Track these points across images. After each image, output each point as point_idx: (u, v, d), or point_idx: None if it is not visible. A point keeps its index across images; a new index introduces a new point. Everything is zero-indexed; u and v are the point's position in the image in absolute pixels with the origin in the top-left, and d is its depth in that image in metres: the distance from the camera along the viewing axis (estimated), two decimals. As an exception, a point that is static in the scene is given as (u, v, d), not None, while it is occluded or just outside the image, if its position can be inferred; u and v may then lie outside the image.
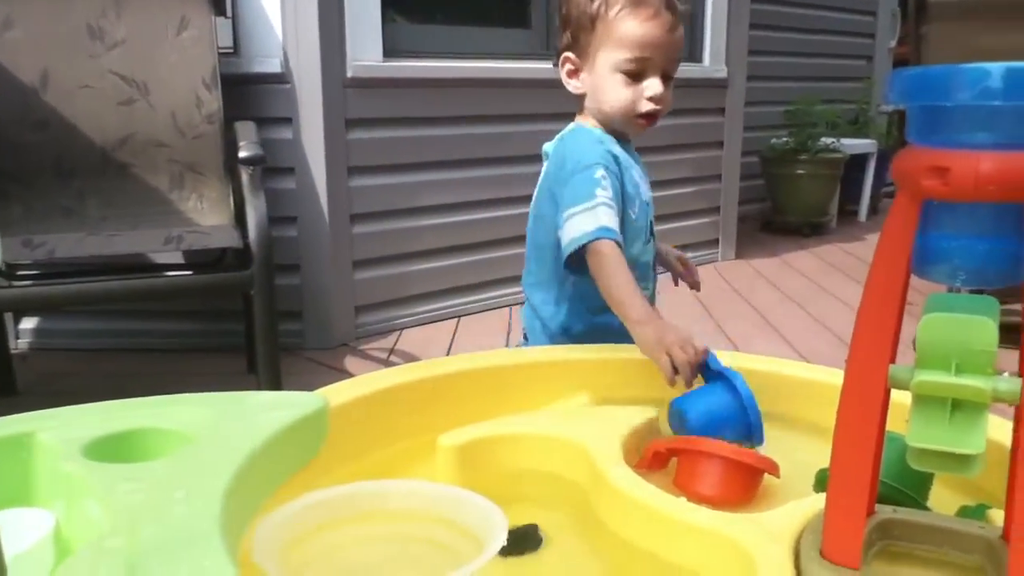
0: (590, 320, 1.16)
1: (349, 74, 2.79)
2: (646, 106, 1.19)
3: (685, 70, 3.95)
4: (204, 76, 2.37)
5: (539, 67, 3.43)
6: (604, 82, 1.20)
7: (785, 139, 4.87)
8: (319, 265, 2.83)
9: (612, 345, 1.00)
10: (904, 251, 0.50)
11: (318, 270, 2.84)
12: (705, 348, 0.90)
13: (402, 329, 3.06)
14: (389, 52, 2.93)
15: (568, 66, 1.26)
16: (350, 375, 2.56)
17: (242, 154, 2.08)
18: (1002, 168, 0.45)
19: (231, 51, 2.65)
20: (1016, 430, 0.50)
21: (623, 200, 1.18)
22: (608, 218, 1.10)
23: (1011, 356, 0.51)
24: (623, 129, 1.24)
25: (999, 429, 0.55)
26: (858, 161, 5.07)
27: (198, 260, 2.36)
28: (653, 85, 1.19)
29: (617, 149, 1.22)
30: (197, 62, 2.37)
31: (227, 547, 0.50)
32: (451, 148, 3.19)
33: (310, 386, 0.86)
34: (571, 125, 1.29)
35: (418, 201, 3.11)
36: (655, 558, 0.64)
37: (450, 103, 3.15)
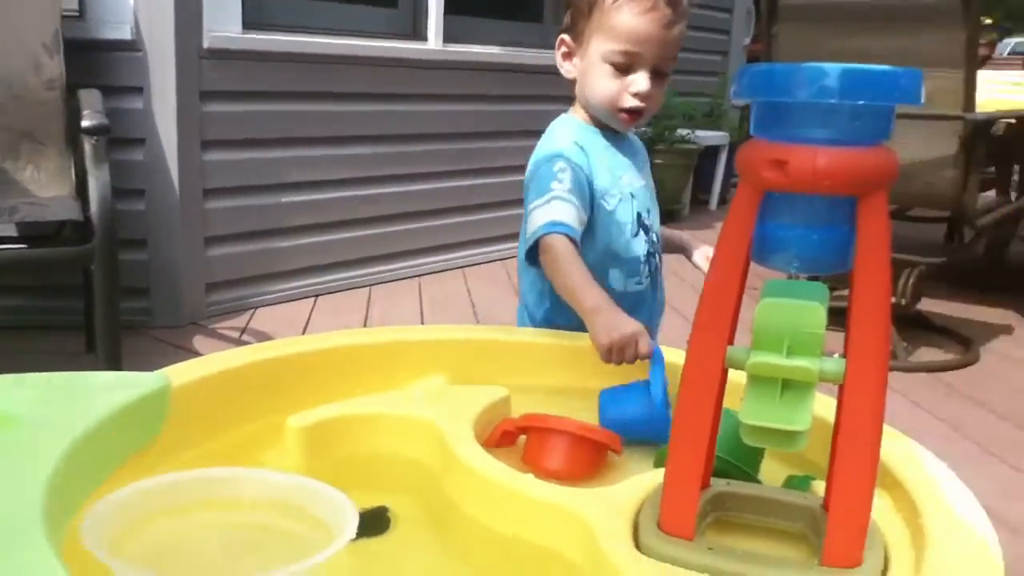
0: (573, 317, 1.05)
1: (206, 44, 2.67)
2: (629, 101, 1.14)
3: (549, 58, 4.00)
4: (44, 40, 2.22)
5: (407, 47, 3.39)
6: (592, 70, 1.16)
7: (645, 129, 5.01)
8: (168, 240, 2.71)
9: (471, 326, 1.01)
10: (744, 239, 0.52)
11: (167, 245, 2.71)
12: (649, 351, 0.89)
13: (256, 308, 2.98)
14: (250, 24, 2.82)
15: (563, 48, 1.22)
16: (198, 355, 2.46)
17: (84, 123, 1.96)
18: (837, 163, 0.48)
19: (77, 14, 2.49)
20: (839, 407, 0.53)
21: (592, 192, 1.14)
22: (560, 212, 1.07)
23: (840, 338, 0.54)
24: (607, 121, 1.19)
25: (824, 406, 0.58)
26: (711, 152, 5.28)
27: (34, 233, 2.21)
28: (639, 81, 1.14)
29: (592, 139, 1.19)
30: (36, 24, 2.22)
31: (49, 537, 0.47)
32: (315, 125, 3.11)
33: (154, 367, 0.82)
34: (560, 116, 1.25)
35: (278, 178, 3.02)
36: (502, 535, 0.65)
37: (314, 79, 3.07)
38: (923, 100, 0.49)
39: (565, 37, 1.21)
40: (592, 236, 1.15)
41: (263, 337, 2.66)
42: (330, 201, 3.20)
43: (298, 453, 0.76)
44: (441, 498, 0.71)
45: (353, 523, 0.56)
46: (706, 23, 5.98)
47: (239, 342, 2.65)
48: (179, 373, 0.79)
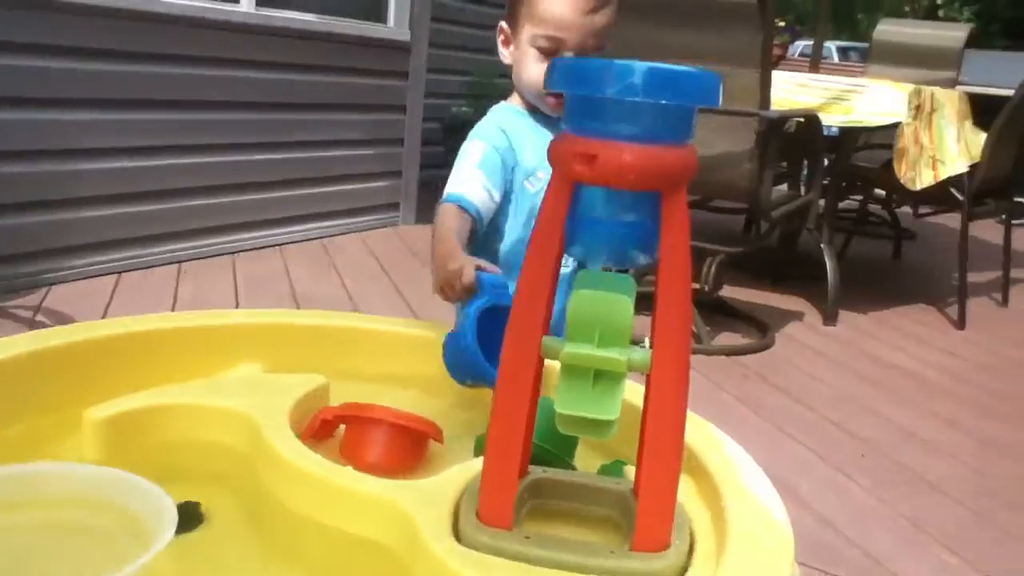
0: None
1: (-10, -10, 2.43)
2: None
3: (368, 30, 3.94)
4: None
5: (217, 7, 3.23)
6: (523, 56, 1.18)
7: (465, 108, 5.03)
8: (-57, 209, 2.46)
9: (288, 311, 0.98)
10: (557, 230, 0.54)
11: (-58, 215, 2.46)
12: (470, 282, 0.88)
13: (52, 285, 2.76)
14: (38, -30, 2.59)
15: (501, 36, 1.23)
16: (-17, 336, 2.26)
17: None
18: (642, 159, 0.50)
19: None
20: (646, 397, 0.56)
21: (513, 173, 1.17)
22: (458, 184, 1.11)
23: (647, 322, 0.57)
24: (537, 105, 1.21)
25: (633, 393, 0.61)
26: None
27: None
28: None
29: (519, 122, 1.21)
30: None
31: None
32: (117, 87, 2.91)
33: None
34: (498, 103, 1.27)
35: (76, 143, 2.81)
36: (323, 527, 0.64)
37: (116, 37, 2.87)
38: (720, 102, 0.52)
39: (503, 24, 1.24)
40: (516, 217, 1.19)
41: (59, 317, 2.47)
42: (135, 170, 3.01)
43: (97, 447, 0.71)
44: (257, 491, 0.68)
45: (172, 519, 0.53)
46: (528, 8, 6.05)
47: (32, 323, 2.45)
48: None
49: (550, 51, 1.17)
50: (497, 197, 1.16)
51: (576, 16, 1.16)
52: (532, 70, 1.18)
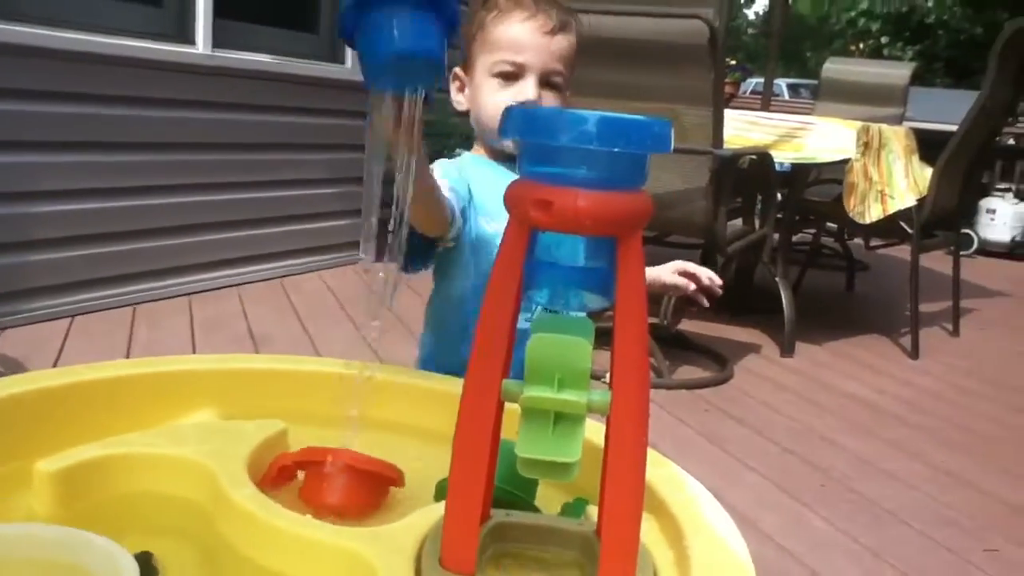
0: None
1: (-65, 33, 2.40)
2: None
3: (325, 71, 3.95)
4: None
5: (173, 49, 3.22)
6: (480, 89, 1.15)
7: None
8: None
9: (243, 355, 0.97)
10: (515, 275, 0.54)
11: None
12: None
13: (3, 329, 2.70)
14: (-6, 13, 2.57)
15: (456, 82, 1.20)
16: (-71, 384, 2.20)
17: None
18: (596, 205, 0.50)
19: None
20: (607, 438, 0.56)
21: (469, 208, 1.14)
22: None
23: (606, 356, 0.57)
24: (501, 147, 1.17)
25: (595, 431, 0.61)
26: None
27: None
28: (526, 89, 1.12)
29: (478, 165, 1.18)
30: None
31: None
32: (69, 129, 2.89)
33: None
34: None
35: (26, 185, 2.77)
36: (283, 578, 0.62)
37: (67, 79, 2.85)
38: (672, 146, 0.53)
39: (457, 70, 1.21)
40: (473, 259, 1.15)
41: (10, 364, 2.41)
42: (86, 212, 2.97)
43: (48, 500, 0.69)
44: (214, 542, 0.67)
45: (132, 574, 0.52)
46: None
47: (-20, 368, 2.39)
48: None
49: (511, 75, 1.14)
50: (458, 212, 1.11)
51: (534, 36, 1.13)
52: (492, 100, 1.14)
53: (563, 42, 1.15)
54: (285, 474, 0.76)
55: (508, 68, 1.13)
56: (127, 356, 2.57)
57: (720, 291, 1.32)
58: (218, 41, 3.37)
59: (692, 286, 1.31)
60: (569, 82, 1.20)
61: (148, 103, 3.14)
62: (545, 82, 1.15)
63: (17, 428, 0.76)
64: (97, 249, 3.01)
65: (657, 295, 1.42)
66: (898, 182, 3.52)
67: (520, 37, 1.13)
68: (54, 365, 2.42)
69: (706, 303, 1.33)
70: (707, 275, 1.31)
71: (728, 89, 6.93)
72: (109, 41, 2.96)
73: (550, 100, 1.15)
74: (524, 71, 1.14)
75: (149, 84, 3.12)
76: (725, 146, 2.88)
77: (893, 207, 3.45)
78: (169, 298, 3.28)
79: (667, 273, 1.32)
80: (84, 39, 2.87)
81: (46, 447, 0.73)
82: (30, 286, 2.81)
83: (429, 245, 1.17)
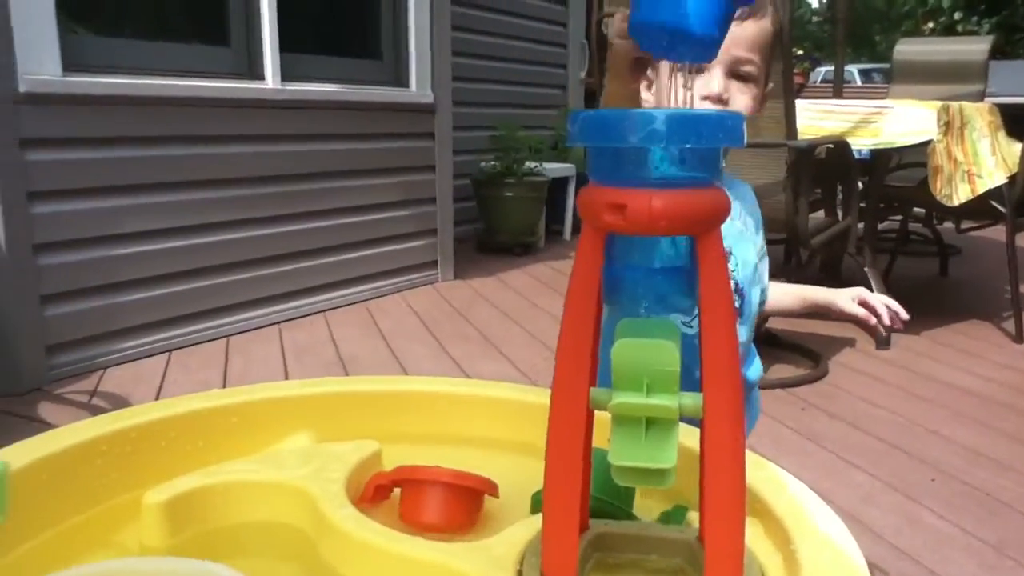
0: None
1: (22, 89, 2.53)
2: (699, 106, 1.02)
3: (392, 95, 4.01)
4: None
5: (244, 86, 3.32)
6: (663, 85, 1.11)
7: (493, 163, 5.10)
8: (-2, 303, 2.54)
9: (334, 379, 0.98)
10: (594, 282, 0.53)
11: (-4, 309, 2.54)
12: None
13: (105, 368, 2.81)
14: (71, 66, 2.69)
15: (644, 82, 1.11)
16: (46, 423, 2.31)
17: None
18: (672, 205, 0.49)
19: None
20: (702, 442, 0.55)
21: None
22: None
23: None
24: None
25: (690, 436, 0.60)
26: (560, 184, 5.43)
27: None
28: (711, 82, 1.03)
29: None
30: None
31: None
32: (153, 171, 3.00)
33: (-4, 442, 0.76)
34: None
35: (118, 228, 2.89)
36: (387, 598, 0.63)
37: (148, 123, 2.96)
38: (745, 141, 0.51)
39: (638, 86, 1.14)
40: None
41: (114, 399, 2.52)
42: (176, 250, 3.08)
43: (158, 531, 0.71)
44: (319, 564, 0.68)
45: None
46: (544, 58, 6.17)
47: (89, 406, 2.50)
48: (16, 454, 0.72)
49: (696, 68, 1.09)
50: None
51: None
52: (677, 96, 1.09)
53: (753, 28, 1.05)
54: (381, 493, 0.77)
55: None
56: (223, 386, 2.64)
57: (903, 325, 1.23)
58: (286, 74, 3.46)
59: (872, 320, 1.23)
60: (767, 73, 1.11)
61: (224, 140, 3.24)
62: (734, 73, 1.06)
63: (123, 462, 0.78)
64: (187, 285, 3.12)
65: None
66: (985, 160, 3.38)
67: None
68: (156, 399, 2.51)
69: (884, 333, 1.28)
70: (887, 307, 1.22)
71: (797, 79, 6.78)
72: (184, 83, 3.07)
73: (738, 92, 1.07)
74: (708, 66, 1.05)
75: (224, 121, 3.22)
76: (799, 137, 2.81)
77: (982, 187, 3.31)
78: (259, 328, 3.37)
79: (845, 300, 1.25)
80: (161, 83, 2.99)
81: (151, 479, 0.75)
82: (126, 325, 2.92)
83: None
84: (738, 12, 1.06)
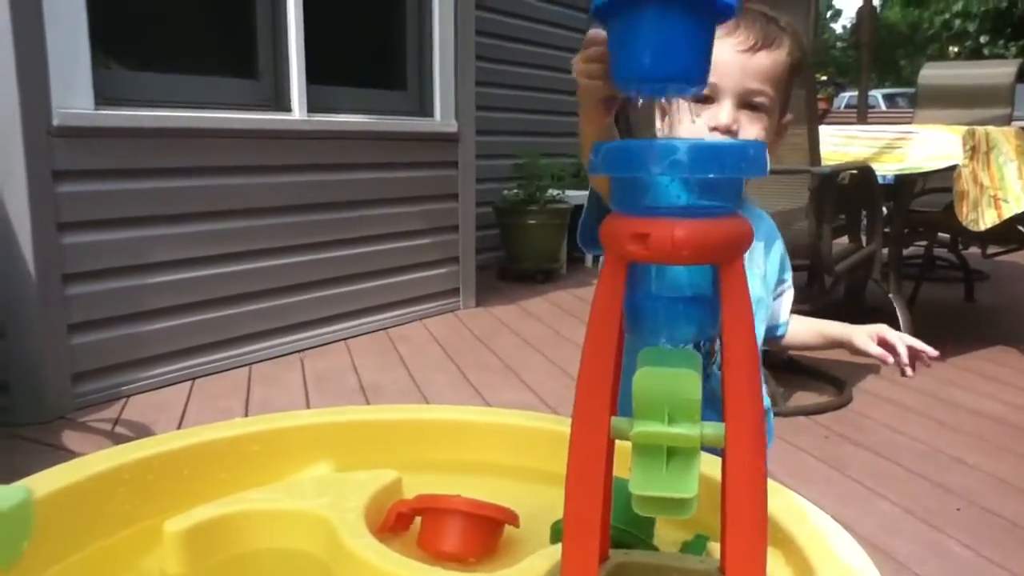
0: None
1: (55, 122, 2.58)
2: (708, 136, 1.02)
3: (416, 125, 4.05)
4: None
5: (271, 118, 3.36)
6: (675, 115, 1.06)
7: (515, 191, 5.11)
8: (26, 330, 2.57)
9: (355, 408, 0.98)
10: (615, 311, 0.53)
11: (26, 336, 2.57)
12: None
13: (129, 396, 2.84)
14: (103, 99, 2.74)
15: (659, 110, 1.13)
16: (69, 451, 2.32)
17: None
18: (694, 234, 0.49)
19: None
20: (724, 472, 0.54)
21: None
22: None
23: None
24: None
25: (711, 465, 0.59)
26: (581, 210, 5.42)
27: None
28: (720, 113, 1.03)
29: None
30: None
31: None
32: (179, 202, 3.04)
33: (19, 468, 0.77)
34: None
35: (144, 257, 2.92)
36: (403, 627, 0.62)
37: (175, 155, 3.00)
38: (768, 170, 0.51)
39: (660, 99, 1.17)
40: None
41: (137, 428, 2.53)
42: (200, 279, 3.11)
43: (179, 558, 0.71)
44: (335, 594, 0.68)
45: None
46: (564, 86, 6.20)
47: (112, 435, 2.51)
48: (41, 482, 0.73)
49: (706, 98, 1.04)
50: None
51: (730, 54, 1.03)
52: (689, 127, 1.05)
53: (766, 60, 1.05)
54: (402, 521, 0.77)
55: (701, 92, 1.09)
56: (245, 414, 2.66)
57: (930, 363, 1.16)
58: (312, 106, 3.50)
59: (889, 359, 1.16)
60: (781, 104, 1.10)
61: (250, 171, 3.28)
62: (745, 104, 1.05)
63: (145, 490, 0.79)
64: (210, 314, 3.14)
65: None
66: (1011, 185, 3.35)
67: (716, 57, 1.07)
68: (178, 428, 2.52)
69: (908, 373, 1.17)
70: (908, 345, 1.16)
71: (821, 104, 6.77)
72: (213, 115, 3.12)
73: (748, 123, 1.06)
74: (719, 93, 1.04)
75: (251, 152, 3.26)
76: (823, 163, 2.80)
77: (1008, 211, 3.28)
78: (281, 356, 3.39)
79: (862, 338, 1.20)
80: (189, 115, 3.03)
81: (172, 507, 0.75)
82: (149, 354, 2.94)
83: None
84: (750, 44, 1.04)
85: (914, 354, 1.15)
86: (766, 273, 1.24)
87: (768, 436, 1.07)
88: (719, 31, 1.05)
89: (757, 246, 1.21)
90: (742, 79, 1.04)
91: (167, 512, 0.74)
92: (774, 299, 1.29)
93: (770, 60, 1.05)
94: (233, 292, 3.22)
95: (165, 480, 0.81)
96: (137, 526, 0.76)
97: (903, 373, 1.16)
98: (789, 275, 1.32)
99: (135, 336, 2.89)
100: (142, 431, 2.48)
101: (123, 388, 2.84)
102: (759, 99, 1.06)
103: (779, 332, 1.31)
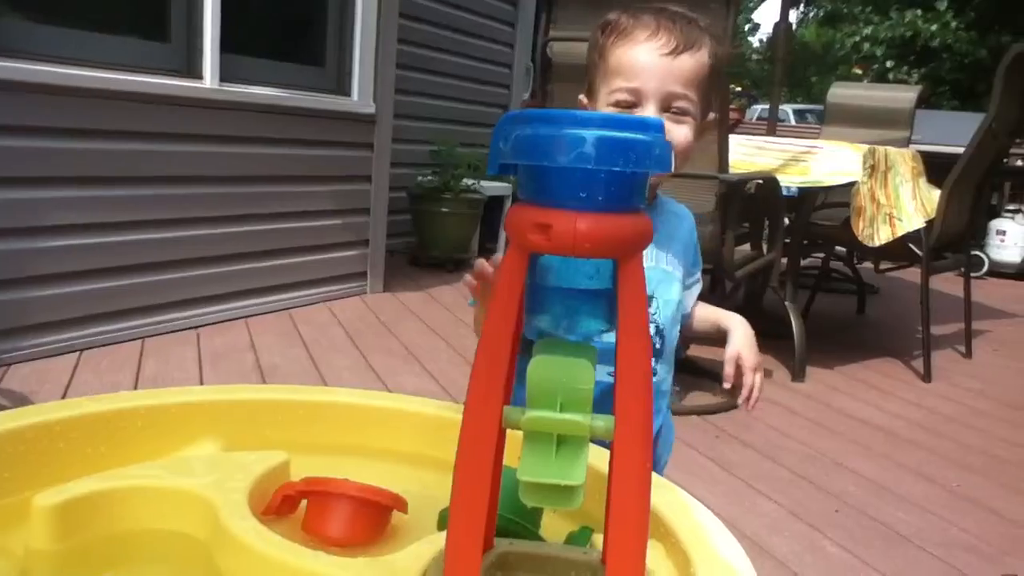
0: None
1: (-58, 71, 2.43)
2: None
3: (333, 103, 3.98)
4: None
5: (180, 84, 3.25)
6: None
7: (430, 177, 5.08)
8: (-102, 291, 2.42)
9: (247, 386, 0.96)
10: (514, 300, 0.53)
11: None
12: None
13: (10, 364, 2.70)
14: (-4, 50, 2.60)
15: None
16: (-63, 420, 2.20)
17: None
18: (596, 227, 0.49)
19: None
20: (611, 465, 0.55)
21: None
22: None
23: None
24: None
25: (598, 458, 0.60)
26: (496, 202, 5.45)
27: None
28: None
29: None
30: None
31: None
32: (77, 164, 2.90)
33: None
34: None
35: (35, 220, 2.79)
36: (282, 611, 0.61)
37: (74, 115, 2.87)
38: (672, 167, 0.52)
39: (582, 98, 1.13)
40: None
41: (17, 397, 2.41)
42: (93, 247, 2.98)
43: (46, 535, 0.68)
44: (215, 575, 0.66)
45: None
46: (487, 77, 6.19)
47: (-12, 404, 2.39)
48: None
49: (628, 105, 1.04)
50: None
51: (652, 59, 1.02)
52: None
53: (689, 62, 1.04)
54: (288, 504, 0.75)
55: (625, 96, 1.04)
56: (134, 388, 2.56)
57: (748, 408, 1.19)
58: (225, 75, 3.40)
59: (728, 384, 1.19)
60: (704, 107, 1.09)
61: (156, 137, 3.16)
62: (668, 108, 1.05)
63: (17, 462, 0.75)
64: (104, 283, 3.02)
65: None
66: (906, 204, 3.51)
67: (636, 61, 1.03)
68: (61, 399, 2.42)
69: (748, 408, 1.20)
70: (750, 387, 1.17)
71: (734, 115, 6.95)
72: (117, 77, 2.99)
73: (673, 126, 1.05)
74: (642, 98, 1.04)
75: (157, 118, 3.15)
76: (731, 171, 2.88)
77: (902, 229, 3.43)
78: (177, 331, 3.28)
79: (732, 347, 1.21)
80: (92, 75, 2.90)
81: (47, 481, 0.72)
82: (35, 321, 2.81)
83: None
84: (671, 48, 1.03)
85: (749, 393, 1.18)
86: (684, 273, 1.25)
87: (670, 433, 1.08)
88: (640, 35, 1.06)
89: (674, 259, 1.22)
90: (665, 83, 1.04)
91: (37, 487, 0.71)
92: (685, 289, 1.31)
93: (692, 62, 1.05)
94: (128, 262, 3.10)
95: (38, 453, 0.77)
96: (3, 501, 0.73)
97: (743, 406, 1.19)
98: (699, 269, 1.35)
99: (20, 301, 2.76)
100: (21, 401, 2.37)
101: (4, 355, 2.71)
102: (682, 103, 1.05)
103: (684, 323, 1.33)
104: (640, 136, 0.50)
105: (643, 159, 0.50)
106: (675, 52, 1.03)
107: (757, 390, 1.18)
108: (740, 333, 1.22)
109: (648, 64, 1.03)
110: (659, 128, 0.50)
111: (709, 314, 1.33)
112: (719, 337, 1.29)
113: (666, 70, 1.03)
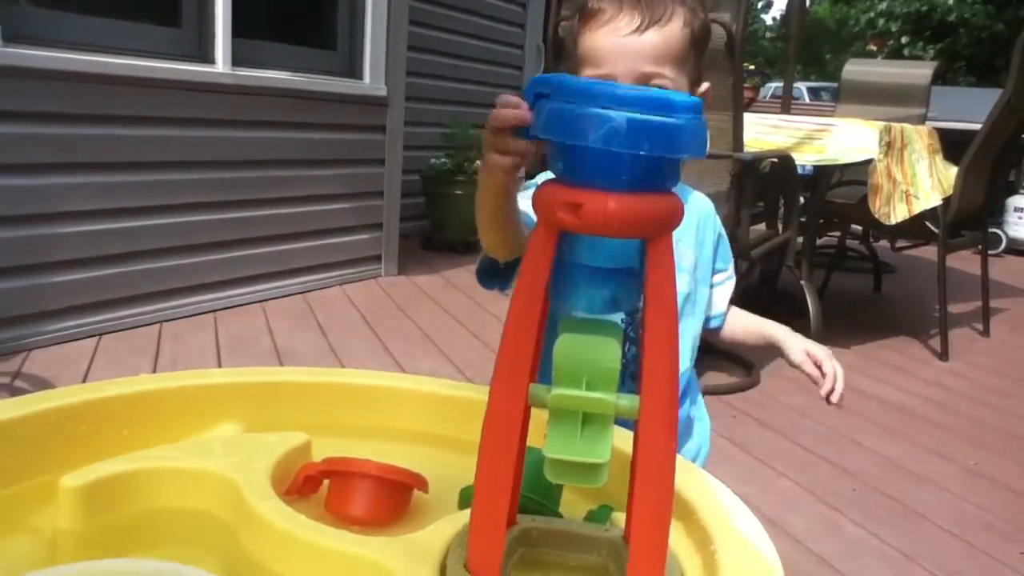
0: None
1: (-41, 59, 2.44)
2: None
3: (345, 87, 3.97)
4: None
5: (193, 69, 3.25)
6: None
7: (443, 160, 5.07)
8: (-81, 278, 2.44)
9: (266, 368, 0.96)
10: (542, 278, 0.53)
11: (-82, 284, 2.44)
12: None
13: (31, 350, 2.73)
14: (11, 37, 2.61)
15: None
16: (-41, 405, 2.22)
17: None
18: (627, 208, 0.49)
19: None
20: (636, 443, 0.55)
21: None
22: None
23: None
24: None
25: (622, 439, 0.60)
26: (509, 183, 5.41)
27: None
28: None
29: None
30: None
31: None
32: (93, 150, 2.91)
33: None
34: None
35: (52, 206, 2.80)
36: (306, 589, 0.61)
37: (90, 101, 2.88)
38: (706, 152, 0.51)
39: None
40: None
41: (39, 382, 2.44)
42: (111, 232, 3.00)
43: (73, 515, 0.69)
44: (240, 555, 0.66)
45: None
46: (500, 58, 6.17)
47: (10, 388, 2.41)
48: (-71, 433, 0.70)
49: None
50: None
51: (617, 40, 0.98)
52: None
53: (656, 38, 0.98)
54: (310, 484, 0.76)
55: None
56: (153, 372, 2.58)
57: (830, 402, 1.15)
58: (237, 60, 3.39)
59: (823, 383, 1.15)
60: (689, 78, 1.04)
61: (169, 122, 3.17)
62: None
63: (42, 444, 0.76)
64: (122, 268, 3.04)
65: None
66: (922, 182, 3.48)
67: (602, 46, 0.98)
68: (82, 383, 2.44)
69: (834, 400, 1.15)
70: (833, 381, 1.14)
71: (748, 93, 6.89)
72: (131, 63, 2.99)
73: None
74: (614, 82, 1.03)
75: (170, 104, 3.15)
76: (745, 150, 2.86)
77: (918, 207, 3.40)
78: (195, 315, 3.30)
79: (798, 352, 1.18)
80: (106, 61, 2.91)
81: (71, 463, 0.73)
82: (55, 307, 2.83)
83: (509, 267, 1.08)
84: (635, 26, 0.97)
85: (832, 387, 1.14)
86: (697, 264, 1.22)
87: (705, 423, 1.06)
88: (603, 16, 0.99)
89: (685, 239, 1.19)
90: (635, 64, 0.98)
91: (63, 469, 0.71)
92: (711, 287, 1.28)
93: (661, 38, 0.98)
94: (146, 247, 3.12)
95: (62, 435, 0.77)
96: (30, 482, 0.73)
97: (828, 401, 1.15)
98: (729, 265, 1.30)
99: (40, 287, 2.78)
100: (42, 385, 2.39)
101: (25, 341, 2.73)
102: (658, 81, 0.99)
103: (713, 324, 1.28)
104: (676, 120, 0.49)
105: (679, 144, 0.49)
106: (639, 30, 0.98)
107: (841, 381, 1.14)
108: (793, 335, 1.20)
109: (613, 47, 0.98)
110: (698, 109, 0.50)
111: (751, 323, 1.28)
112: (766, 347, 1.26)
113: (633, 50, 0.98)
